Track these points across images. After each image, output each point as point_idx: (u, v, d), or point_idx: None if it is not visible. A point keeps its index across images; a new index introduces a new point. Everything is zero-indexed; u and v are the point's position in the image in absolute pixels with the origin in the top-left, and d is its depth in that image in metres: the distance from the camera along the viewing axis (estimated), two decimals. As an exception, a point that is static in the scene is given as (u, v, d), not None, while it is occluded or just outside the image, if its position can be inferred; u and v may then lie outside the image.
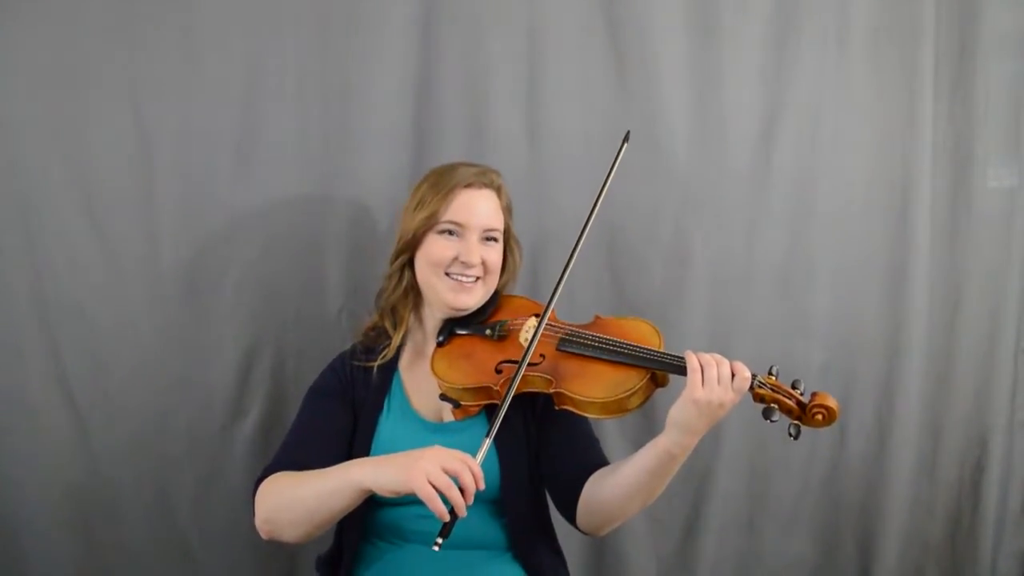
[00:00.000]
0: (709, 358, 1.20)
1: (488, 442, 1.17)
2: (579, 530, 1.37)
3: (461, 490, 1.10)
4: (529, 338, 1.35)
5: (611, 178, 1.40)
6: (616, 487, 1.27)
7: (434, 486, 1.09)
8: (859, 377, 2.03)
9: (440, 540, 1.09)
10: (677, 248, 1.92)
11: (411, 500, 1.35)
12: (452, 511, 1.09)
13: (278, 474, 1.29)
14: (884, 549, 2.08)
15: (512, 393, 1.23)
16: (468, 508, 1.10)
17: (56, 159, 1.64)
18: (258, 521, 1.26)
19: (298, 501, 1.22)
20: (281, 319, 1.76)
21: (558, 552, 1.47)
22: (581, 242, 1.36)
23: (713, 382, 1.18)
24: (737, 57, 1.90)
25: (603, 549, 1.98)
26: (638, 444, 1.89)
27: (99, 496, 1.71)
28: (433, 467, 1.10)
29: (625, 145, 1.45)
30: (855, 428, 2.05)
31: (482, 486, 1.12)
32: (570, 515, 1.35)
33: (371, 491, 1.16)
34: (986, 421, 2.11)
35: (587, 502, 1.32)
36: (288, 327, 1.76)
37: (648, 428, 1.93)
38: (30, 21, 1.60)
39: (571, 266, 1.34)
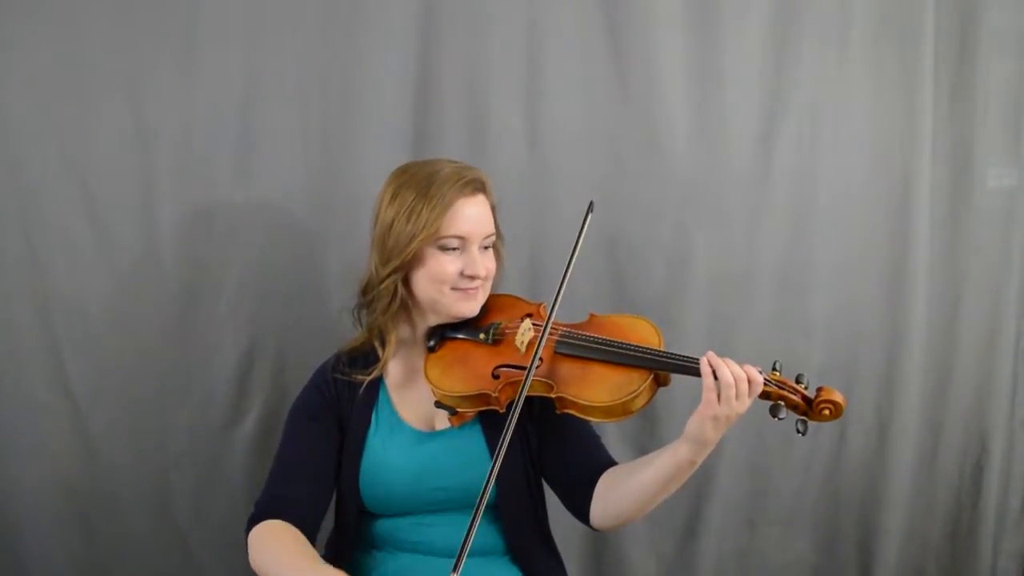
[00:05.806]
0: (728, 375, 1.16)
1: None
2: (591, 528, 1.36)
3: None
4: (525, 342, 1.33)
5: (579, 247, 1.33)
6: (635, 492, 1.27)
7: None
8: (859, 376, 2.03)
9: None
10: (677, 248, 1.91)
11: (405, 511, 1.36)
12: None
13: (268, 527, 1.26)
14: (884, 547, 2.08)
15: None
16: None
17: (56, 159, 1.64)
18: (251, 563, 1.25)
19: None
20: (281, 319, 1.76)
21: (556, 554, 1.47)
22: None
23: (731, 400, 1.16)
24: (737, 57, 1.89)
25: (603, 549, 1.98)
26: (638, 445, 1.92)
27: (99, 495, 1.72)
28: None
29: (590, 215, 1.36)
30: (855, 426, 2.05)
31: None
32: (583, 515, 1.35)
33: None
34: (986, 419, 2.11)
35: (604, 503, 1.31)
36: (288, 327, 1.76)
37: (649, 429, 1.93)
38: (30, 21, 1.60)
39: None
